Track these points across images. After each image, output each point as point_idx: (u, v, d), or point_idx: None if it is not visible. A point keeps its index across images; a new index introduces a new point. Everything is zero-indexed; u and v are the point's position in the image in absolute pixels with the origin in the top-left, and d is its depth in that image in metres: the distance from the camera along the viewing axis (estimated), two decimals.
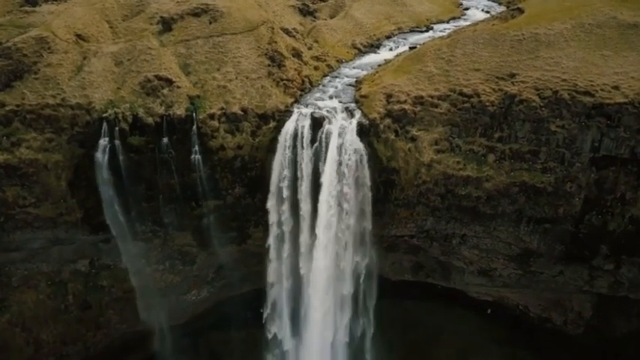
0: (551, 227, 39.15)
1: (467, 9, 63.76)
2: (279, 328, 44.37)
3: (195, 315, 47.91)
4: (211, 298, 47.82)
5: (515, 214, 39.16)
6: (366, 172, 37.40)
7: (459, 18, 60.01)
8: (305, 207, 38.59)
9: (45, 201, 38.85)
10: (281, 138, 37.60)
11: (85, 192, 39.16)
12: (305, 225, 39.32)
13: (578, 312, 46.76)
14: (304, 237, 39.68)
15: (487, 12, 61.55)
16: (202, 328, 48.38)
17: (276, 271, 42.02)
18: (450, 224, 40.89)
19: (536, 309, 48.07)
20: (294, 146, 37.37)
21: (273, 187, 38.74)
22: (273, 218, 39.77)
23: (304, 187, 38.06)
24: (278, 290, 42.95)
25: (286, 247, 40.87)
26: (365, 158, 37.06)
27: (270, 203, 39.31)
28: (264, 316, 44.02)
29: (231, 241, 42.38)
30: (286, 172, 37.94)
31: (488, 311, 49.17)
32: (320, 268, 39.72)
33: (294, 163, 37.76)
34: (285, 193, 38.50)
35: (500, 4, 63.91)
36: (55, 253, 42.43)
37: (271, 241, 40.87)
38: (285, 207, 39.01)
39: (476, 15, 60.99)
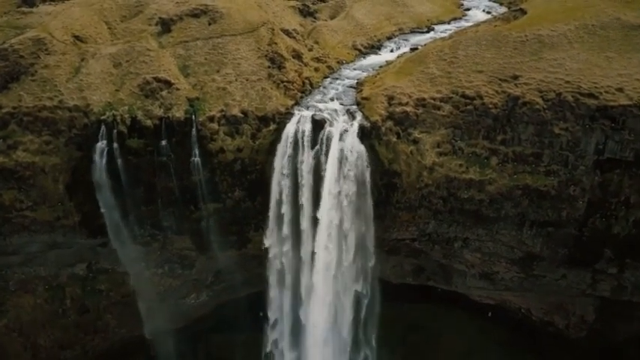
0: (555, 231, 38.68)
1: (468, 9, 63.28)
2: None
3: (194, 318, 47.51)
4: (211, 302, 47.42)
5: (518, 217, 38.67)
6: (369, 200, 37.11)
7: (460, 19, 59.53)
8: (305, 249, 38.79)
9: (42, 204, 38.44)
10: (277, 165, 37.23)
11: (83, 195, 38.69)
12: (306, 268, 39.49)
13: (580, 315, 46.34)
14: (305, 279, 39.82)
15: (488, 12, 61.04)
16: (202, 332, 47.94)
17: (277, 310, 42.66)
18: (452, 227, 40.40)
19: (538, 312, 47.60)
20: (294, 175, 37.22)
21: (271, 223, 38.83)
22: (273, 252, 39.95)
23: (306, 221, 37.85)
24: (280, 331, 43.38)
25: (288, 294, 41.59)
26: (368, 186, 36.67)
27: (269, 241, 39.58)
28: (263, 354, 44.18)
29: (230, 245, 41.87)
30: (285, 208, 38.02)
31: (489, 314, 48.76)
32: (317, 320, 40.39)
33: (295, 197, 37.63)
34: (286, 231, 38.76)
35: (501, 4, 63.39)
36: (52, 256, 42.07)
37: (272, 280, 41.24)
38: (287, 247, 39.32)
39: (477, 15, 60.53)
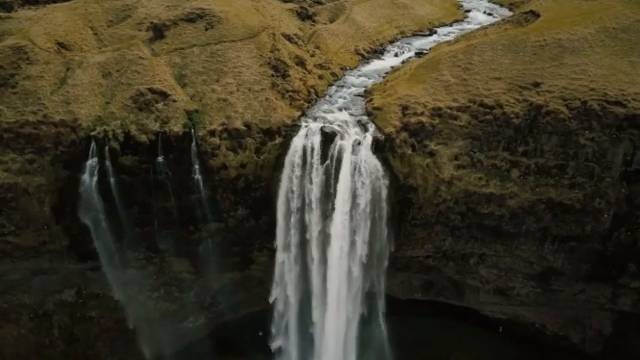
0: (578, 245, 36.73)
1: (468, 11, 61.33)
2: None
3: (193, 341, 44.60)
4: (209, 324, 44.62)
5: (539, 232, 36.59)
6: (385, 219, 34.71)
7: (462, 21, 57.58)
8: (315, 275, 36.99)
9: (26, 229, 35.21)
10: (283, 182, 34.88)
11: (71, 218, 35.51)
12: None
13: (597, 329, 44.63)
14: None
15: (489, 14, 59.31)
16: (201, 354, 45.07)
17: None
18: (469, 244, 38.18)
19: (553, 327, 45.72)
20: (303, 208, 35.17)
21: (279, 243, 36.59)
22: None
23: (315, 242, 35.71)
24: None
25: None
26: (384, 203, 34.39)
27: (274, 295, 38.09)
28: None
29: (233, 266, 39.01)
30: (293, 227, 35.71)
31: (500, 329, 46.80)
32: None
33: (304, 215, 35.40)
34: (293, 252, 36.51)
35: (502, 5, 61.65)
36: (37, 283, 38.90)
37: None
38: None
39: (478, 17, 58.68)
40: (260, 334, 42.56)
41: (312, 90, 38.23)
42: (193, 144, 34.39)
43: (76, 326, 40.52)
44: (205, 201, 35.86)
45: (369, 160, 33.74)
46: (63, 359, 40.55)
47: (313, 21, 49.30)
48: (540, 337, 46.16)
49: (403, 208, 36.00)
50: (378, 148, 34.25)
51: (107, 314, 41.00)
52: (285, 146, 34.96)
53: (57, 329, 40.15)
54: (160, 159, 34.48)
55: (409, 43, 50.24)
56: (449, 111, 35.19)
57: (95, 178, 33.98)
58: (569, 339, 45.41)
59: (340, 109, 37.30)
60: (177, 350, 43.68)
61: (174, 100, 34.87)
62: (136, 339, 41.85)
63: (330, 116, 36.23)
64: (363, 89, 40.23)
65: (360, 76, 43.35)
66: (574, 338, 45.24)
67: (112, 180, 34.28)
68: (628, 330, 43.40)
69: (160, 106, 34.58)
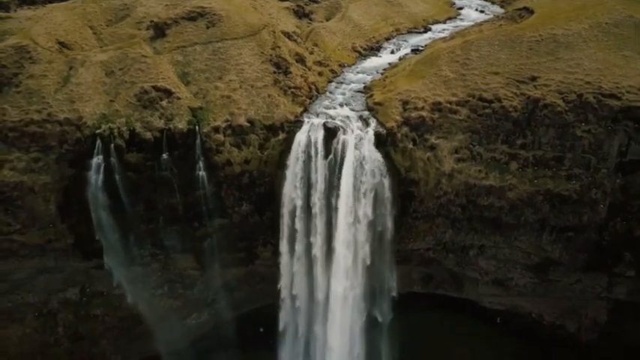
0: (575, 236, 37.73)
1: (461, 8, 62.22)
2: None
3: (196, 337, 44.83)
4: (212, 320, 44.84)
5: (538, 223, 37.60)
6: (388, 212, 35.17)
7: (455, 18, 58.39)
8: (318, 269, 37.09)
9: (32, 227, 35.24)
10: (287, 177, 35.16)
11: (77, 216, 35.63)
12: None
13: (592, 318, 45.54)
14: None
15: (481, 11, 60.23)
16: (204, 350, 45.28)
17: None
18: (470, 235, 39.02)
19: (550, 317, 46.54)
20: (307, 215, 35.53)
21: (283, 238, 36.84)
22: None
23: (319, 235, 36.08)
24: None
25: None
26: (387, 196, 34.89)
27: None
28: None
29: (238, 262, 39.39)
30: (298, 222, 36.07)
31: (498, 320, 47.55)
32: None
33: (308, 210, 35.75)
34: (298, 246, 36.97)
35: (493, 3, 62.61)
36: (41, 282, 38.72)
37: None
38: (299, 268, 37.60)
39: (471, 15, 59.55)
40: (261, 330, 42.71)
41: (313, 86, 38.82)
42: (198, 141, 34.77)
43: (81, 324, 40.39)
44: (210, 197, 36.21)
45: (372, 155, 34.36)
46: (67, 358, 40.37)
47: (310, 19, 49.80)
48: (537, 328, 46.83)
49: (405, 201, 36.68)
50: (380, 142, 34.89)
51: (111, 312, 40.99)
52: (288, 142, 35.44)
53: (61, 328, 39.99)
54: (165, 156, 34.78)
55: (405, 40, 50.89)
56: (448, 105, 35.98)
57: (101, 176, 34.17)
58: (565, 328, 46.20)
59: (341, 105, 37.86)
60: (181, 347, 43.90)
61: (178, 98, 35.21)
62: (140, 337, 42.03)
63: (331, 112, 36.81)
64: (363, 85, 40.89)
65: (358, 72, 43.97)
66: (570, 328, 46.05)
67: (117, 177, 34.48)
68: (623, 318, 44.33)
69: (164, 103, 34.89)
